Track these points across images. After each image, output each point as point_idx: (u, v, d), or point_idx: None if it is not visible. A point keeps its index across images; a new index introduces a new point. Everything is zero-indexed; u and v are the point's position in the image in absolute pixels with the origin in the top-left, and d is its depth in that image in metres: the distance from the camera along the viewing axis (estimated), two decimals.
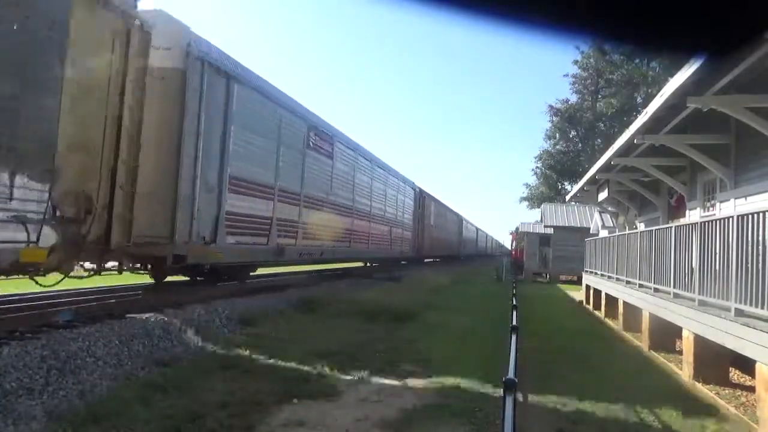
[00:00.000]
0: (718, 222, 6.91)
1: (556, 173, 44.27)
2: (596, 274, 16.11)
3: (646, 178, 14.08)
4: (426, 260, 37.26)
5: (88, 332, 6.56)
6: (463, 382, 6.30)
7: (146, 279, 11.90)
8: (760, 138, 7.99)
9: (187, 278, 12.35)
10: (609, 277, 13.95)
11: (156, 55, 8.51)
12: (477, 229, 69.64)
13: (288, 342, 8.22)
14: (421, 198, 31.30)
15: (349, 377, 6.41)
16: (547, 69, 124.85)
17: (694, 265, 7.70)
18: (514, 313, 7.71)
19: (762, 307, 5.42)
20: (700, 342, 7.08)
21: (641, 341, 10.16)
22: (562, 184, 44.10)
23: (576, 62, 41.67)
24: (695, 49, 1.23)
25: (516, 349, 4.92)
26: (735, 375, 7.49)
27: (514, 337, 5.31)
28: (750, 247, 5.81)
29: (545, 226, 30.94)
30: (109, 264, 8.67)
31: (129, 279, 11.95)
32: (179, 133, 9.47)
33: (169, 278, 11.89)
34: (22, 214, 6.16)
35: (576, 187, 21.86)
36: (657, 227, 10.36)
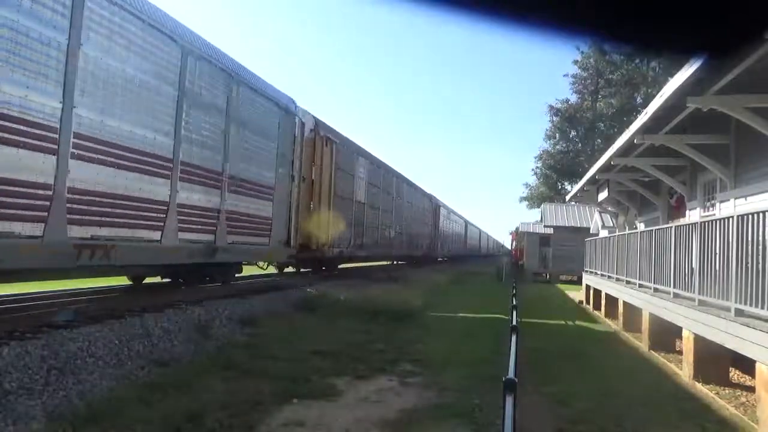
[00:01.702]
0: (718, 222, 6.91)
1: (556, 173, 44.26)
2: (596, 274, 16.11)
3: (646, 178, 14.08)
4: (344, 266, 20.60)
5: (88, 332, 6.56)
6: (464, 382, 6.30)
7: None
8: (760, 138, 7.99)
9: None
10: (609, 277, 13.95)
11: None
12: (467, 222, 54.65)
13: (288, 342, 8.21)
14: (316, 137, 15.44)
15: (349, 377, 6.41)
16: (547, 69, 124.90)
17: (694, 265, 7.70)
18: (514, 313, 7.72)
19: (762, 307, 5.42)
20: (700, 342, 7.08)
21: (641, 341, 10.15)
22: (562, 184, 44.09)
23: (576, 62, 41.73)
24: (695, 49, 1.23)
25: (516, 349, 4.92)
26: (735, 375, 7.49)
27: (514, 337, 5.31)
28: (750, 247, 5.81)
29: (545, 226, 30.96)
30: None
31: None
32: None
33: None
34: None
35: (576, 187, 21.86)
36: (657, 227, 10.35)
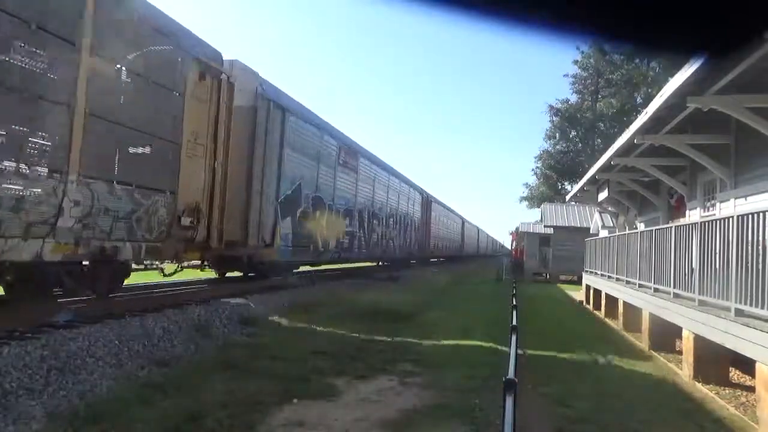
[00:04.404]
0: (718, 222, 6.90)
1: (556, 173, 44.22)
2: (596, 274, 16.11)
3: (646, 178, 14.07)
4: None
5: (88, 332, 6.56)
6: (463, 382, 6.30)
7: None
8: (760, 138, 7.99)
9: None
10: (609, 277, 13.94)
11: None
12: (428, 198, 34.45)
13: (288, 342, 8.21)
14: None
15: (348, 377, 6.40)
16: (547, 69, 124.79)
17: (694, 265, 7.70)
18: (514, 312, 7.71)
19: (762, 307, 5.42)
20: (700, 342, 7.08)
21: (641, 341, 10.15)
22: (562, 184, 44.05)
23: (576, 62, 41.70)
24: (695, 49, 1.24)
25: (516, 349, 4.92)
26: (735, 375, 7.49)
27: (514, 337, 5.31)
28: (750, 247, 5.81)
29: (545, 226, 30.91)
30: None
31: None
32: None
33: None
34: None
35: (576, 187, 21.85)
36: (657, 227, 10.35)
